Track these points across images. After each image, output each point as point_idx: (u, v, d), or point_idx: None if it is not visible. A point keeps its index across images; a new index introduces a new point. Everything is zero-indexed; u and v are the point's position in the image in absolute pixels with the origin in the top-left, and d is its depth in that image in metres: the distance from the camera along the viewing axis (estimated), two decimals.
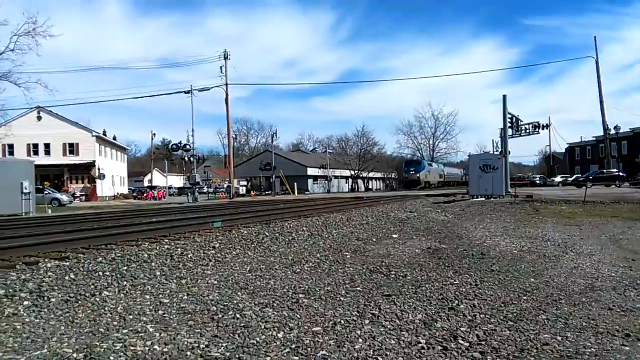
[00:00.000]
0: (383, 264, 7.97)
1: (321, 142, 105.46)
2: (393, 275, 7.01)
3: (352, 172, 76.68)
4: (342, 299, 5.67)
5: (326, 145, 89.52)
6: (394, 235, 12.03)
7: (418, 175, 66.04)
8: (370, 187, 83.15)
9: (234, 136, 63.47)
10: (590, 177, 46.59)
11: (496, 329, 4.42)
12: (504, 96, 31.75)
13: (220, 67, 44.90)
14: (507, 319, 4.75)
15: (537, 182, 59.90)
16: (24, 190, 24.50)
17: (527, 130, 34.32)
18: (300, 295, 5.82)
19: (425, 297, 5.72)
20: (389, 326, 4.55)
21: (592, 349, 3.89)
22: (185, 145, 46.45)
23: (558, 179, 61.46)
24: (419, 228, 13.84)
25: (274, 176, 60.35)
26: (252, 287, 6.29)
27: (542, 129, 35.92)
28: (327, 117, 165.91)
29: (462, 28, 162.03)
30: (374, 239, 11.31)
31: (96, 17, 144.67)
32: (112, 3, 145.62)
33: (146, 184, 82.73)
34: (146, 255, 7.90)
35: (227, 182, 60.19)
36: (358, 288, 6.23)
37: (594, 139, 75.80)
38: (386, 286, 6.31)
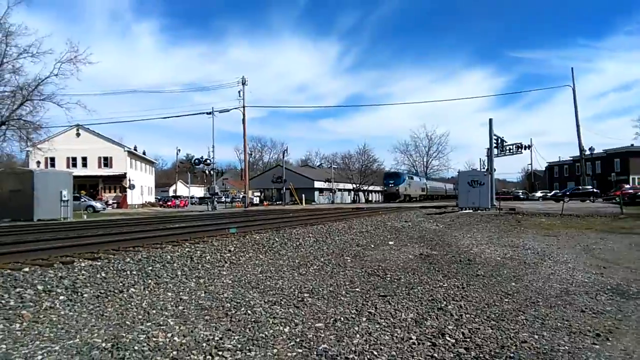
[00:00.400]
0: (380, 267, 7.93)
1: (327, 158, 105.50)
2: (389, 278, 6.98)
3: (354, 185, 76.65)
4: (342, 298, 5.65)
5: (331, 161, 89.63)
6: (390, 242, 11.98)
7: (397, 188, 60.19)
8: (370, 199, 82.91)
9: (249, 152, 63.66)
10: (568, 193, 46.38)
11: (480, 328, 4.39)
12: (490, 120, 31.80)
13: (239, 92, 45.48)
14: (490, 319, 4.71)
15: (521, 196, 59.54)
16: (63, 198, 24.70)
17: (511, 150, 34.26)
18: (305, 295, 5.80)
19: (417, 298, 5.68)
20: (384, 323, 4.53)
21: (566, 347, 3.86)
22: (206, 160, 46.79)
23: (539, 194, 61.28)
24: (412, 236, 13.78)
25: (284, 188, 60.35)
26: (262, 287, 6.28)
27: (525, 149, 35.80)
28: (333, 137, 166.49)
29: (456, 59, 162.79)
30: (372, 245, 11.26)
31: (131, 47, 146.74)
32: (146, 35, 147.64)
33: (171, 193, 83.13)
34: (169, 257, 7.91)
35: (242, 193, 60.31)
36: (357, 289, 6.20)
37: (571, 159, 75.59)
38: (382, 288, 6.28)
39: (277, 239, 10.97)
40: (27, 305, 4.92)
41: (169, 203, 61.23)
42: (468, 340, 4.03)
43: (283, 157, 70.73)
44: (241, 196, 62.87)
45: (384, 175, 68.42)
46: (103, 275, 6.40)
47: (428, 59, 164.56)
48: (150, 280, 6.45)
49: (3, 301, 4.98)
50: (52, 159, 48.77)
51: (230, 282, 6.62)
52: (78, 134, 53.82)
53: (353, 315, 4.82)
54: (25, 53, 25.70)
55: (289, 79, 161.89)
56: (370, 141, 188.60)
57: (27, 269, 6.37)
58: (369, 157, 79.81)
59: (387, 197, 61.48)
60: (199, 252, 8.64)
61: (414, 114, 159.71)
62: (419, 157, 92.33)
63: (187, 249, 8.77)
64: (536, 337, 4.12)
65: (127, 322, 4.51)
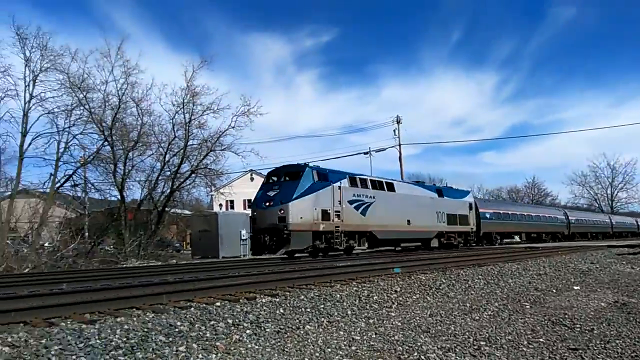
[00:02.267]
0: (565, 316, 7.11)
1: (491, 193, 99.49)
2: (578, 329, 6.21)
3: None
4: (524, 349, 5.18)
5: (496, 196, 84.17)
6: (575, 287, 10.69)
7: (282, 208, 19.15)
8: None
9: None
10: None
11: None
12: None
13: (394, 130, 45.95)
14: None
15: None
16: (242, 237, 27.39)
17: None
18: (482, 343, 5.46)
19: (616, 353, 4.94)
20: None
21: None
22: None
23: None
24: (602, 280, 12.11)
25: None
26: (433, 331, 6.10)
27: None
28: (495, 170, 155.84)
29: (635, 78, 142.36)
30: (554, 290, 10.17)
31: (294, 97, 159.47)
32: (306, 84, 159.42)
33: None
34: (338, 296, 8.17)
35: None
36: (540, 339, 5.64)
37: None
38: (571, 339, 5.61)
39: (443, 280, 10.60)
40: (220, 337, 5.50)
41: None
42: None
43: None
44: None
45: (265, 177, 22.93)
46: (281, 311, 6.87)
47: (601, 81, 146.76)
48: (323, 319, 6.73)
49: (201, 332, 5.64)
50: (232, 202, 54.72)
51: (399, 324, 6.57)
52: (252, 178, 59.63)
53: None
54: (208, 110, 29.76)
55: (444, 114, 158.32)
56: (539, 173, 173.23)
57: (218, 304, 7.14)
58: (540, 190, 73.34)
59: (255, 235, 20.56)
60: (366, 291, 8.77)
61: (590, 141, 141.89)
62: (601, 189, 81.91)
63: (354, 289, 8.97)
64: None
65: (306, 359, 4.75)
